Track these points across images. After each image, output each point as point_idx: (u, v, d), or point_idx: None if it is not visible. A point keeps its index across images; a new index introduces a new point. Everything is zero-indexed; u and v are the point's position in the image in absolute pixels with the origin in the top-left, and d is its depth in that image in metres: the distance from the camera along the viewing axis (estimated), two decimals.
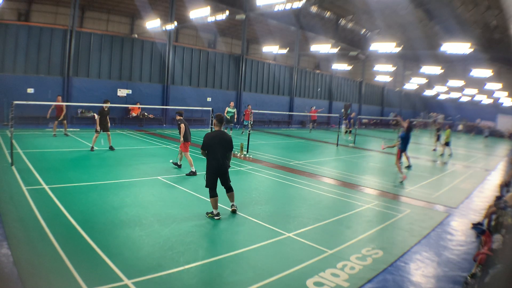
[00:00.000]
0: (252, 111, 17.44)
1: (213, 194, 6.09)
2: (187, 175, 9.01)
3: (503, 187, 9.87)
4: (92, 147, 11.51)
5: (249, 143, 13.53)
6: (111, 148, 11.93)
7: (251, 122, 14.31)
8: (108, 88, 19.80)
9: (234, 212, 6.39)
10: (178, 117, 9.72)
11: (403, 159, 11.61)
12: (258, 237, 5.48)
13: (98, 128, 11.58)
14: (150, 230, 5.34)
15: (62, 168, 8.78)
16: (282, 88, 30.20)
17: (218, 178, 6.19)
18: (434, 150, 19.74)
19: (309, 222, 6.29)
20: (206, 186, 6.15)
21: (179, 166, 9.82)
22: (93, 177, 8.19)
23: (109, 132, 12.01)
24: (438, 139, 19.89)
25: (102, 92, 19.16)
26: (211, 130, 12.85)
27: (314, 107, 29.31)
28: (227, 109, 19.19)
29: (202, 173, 8.07)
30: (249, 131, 13.91)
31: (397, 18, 28.18)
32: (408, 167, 12.70)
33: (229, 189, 6.37)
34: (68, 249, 4.46)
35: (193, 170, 9.10)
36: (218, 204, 6.15)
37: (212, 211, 6.12)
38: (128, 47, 20.77)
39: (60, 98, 14.47)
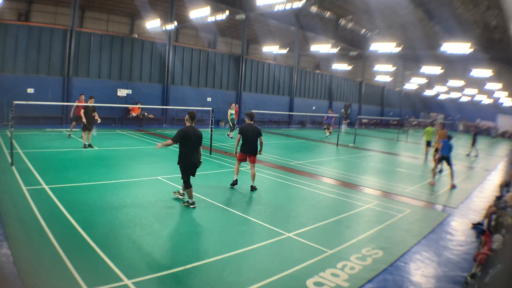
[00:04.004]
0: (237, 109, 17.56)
1: (190, 185, 6.49)
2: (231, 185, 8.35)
3: (503, 187, 9.88)
4: (85, 144, 11.67)
5: None
6: (89, 146, 11.81)
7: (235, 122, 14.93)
8: (108, 88, 19.80)
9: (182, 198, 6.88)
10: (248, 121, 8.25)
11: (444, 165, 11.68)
12: (258, 237, 5.48)
13: (84, 120, 11.52)
14: (150, 230, 5.34)
15: (62, 168, 8.78)
16: (282, 88, 30.21)
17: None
18: (468, 155, 19.38)
19: (309, 222, 6.29)
20: (183, 178, 6.50)
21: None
22: (93, 177, 8.18)
23: (90, 131, 11.88)
24: (474, 143, 19.50)
25: (102, 92, 19.16)
26: (211, 130, 12.94)
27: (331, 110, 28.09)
28: (230, 111, 17.84)
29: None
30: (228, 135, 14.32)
31: (397, 18, 28.20)
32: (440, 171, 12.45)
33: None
34: (68, 249, 4.46)
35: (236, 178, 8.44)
36: (218, 204, 6.13)
37: (188, 200, 6.57)
38: (128, 47, 20.77)
39: (83, 97, 13.35)
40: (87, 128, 11.74)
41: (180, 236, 5.25)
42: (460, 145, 25.26)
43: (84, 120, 11.58)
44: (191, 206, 6.48)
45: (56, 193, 6.65)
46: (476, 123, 38.19)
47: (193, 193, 6.63)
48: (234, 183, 8.29)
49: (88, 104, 11.63)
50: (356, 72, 42.17)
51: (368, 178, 10.87)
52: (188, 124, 6.54)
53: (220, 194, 7.64)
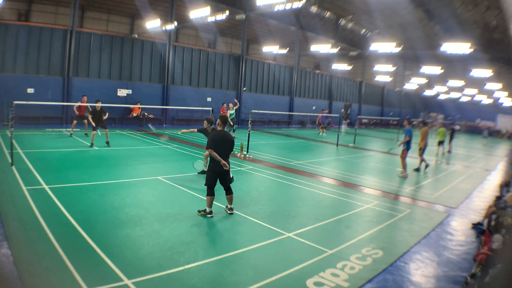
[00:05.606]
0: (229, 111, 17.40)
1: (210, 193, 6.13)
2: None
3: (503, 187, 9.88)
4: (92, 144, 11.90)
5: (249, 143, 13.53)
6: (107, 143, 12.36)
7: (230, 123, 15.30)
8: (108, 88, 19.79)
9: (230, 214, 6.38)
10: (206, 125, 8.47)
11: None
12: (258, 237, 5.48)
13: (94, 124, 12.02)
14: (150, 230, 5.34)
15: (62, 168, 8.78)
16: (282, 88, 30.20)
17: (218, 178, 6.22)
18: (449, 152, 19.57)
19: (309, 222, 6.29)
20: (206, 185, 6.18)
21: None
22: (93, 177, 8.18)
23: (106, 130, 12.44)
24: (450, 140, 19.69)
25: (102, 92, 19.15)
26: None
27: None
28: (229, 111, 17.90)
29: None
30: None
31: (397, 18, 28.19)
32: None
33: (228, 191, 6.34)
34: (68, 249, 4.46)
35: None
36: (217, 203, 6.14)
37: (205, 209, 6.17)
38: (128, 47, 20.77)
39: (85, 98, 14.35)
40: (96, 128, 12.26)
41: (180, 236, 5.25)
42: (459, 145, 25.25)
43: (93, 124, 12.02)
44: (208, 216, 6.11)
45: (56, 193, 6.65)
46: (455, 123, 39.12)
47: (193, 193, 6.61)
48: (203, 172, 8.76)
49: (96, 104, 12.19)
50: (356, 72, 42.15)
51: (368, 178, 10.87)
52: (219, 128, 6.24)
53: (219, 194, 7.65)
